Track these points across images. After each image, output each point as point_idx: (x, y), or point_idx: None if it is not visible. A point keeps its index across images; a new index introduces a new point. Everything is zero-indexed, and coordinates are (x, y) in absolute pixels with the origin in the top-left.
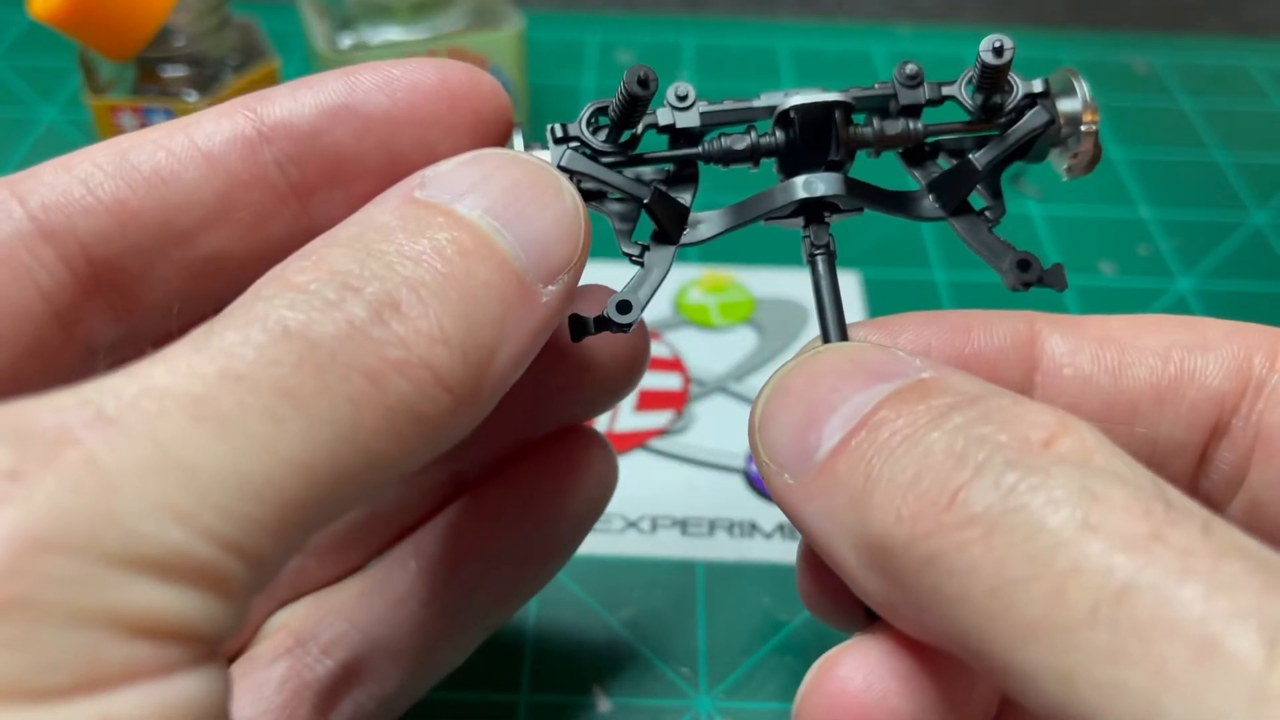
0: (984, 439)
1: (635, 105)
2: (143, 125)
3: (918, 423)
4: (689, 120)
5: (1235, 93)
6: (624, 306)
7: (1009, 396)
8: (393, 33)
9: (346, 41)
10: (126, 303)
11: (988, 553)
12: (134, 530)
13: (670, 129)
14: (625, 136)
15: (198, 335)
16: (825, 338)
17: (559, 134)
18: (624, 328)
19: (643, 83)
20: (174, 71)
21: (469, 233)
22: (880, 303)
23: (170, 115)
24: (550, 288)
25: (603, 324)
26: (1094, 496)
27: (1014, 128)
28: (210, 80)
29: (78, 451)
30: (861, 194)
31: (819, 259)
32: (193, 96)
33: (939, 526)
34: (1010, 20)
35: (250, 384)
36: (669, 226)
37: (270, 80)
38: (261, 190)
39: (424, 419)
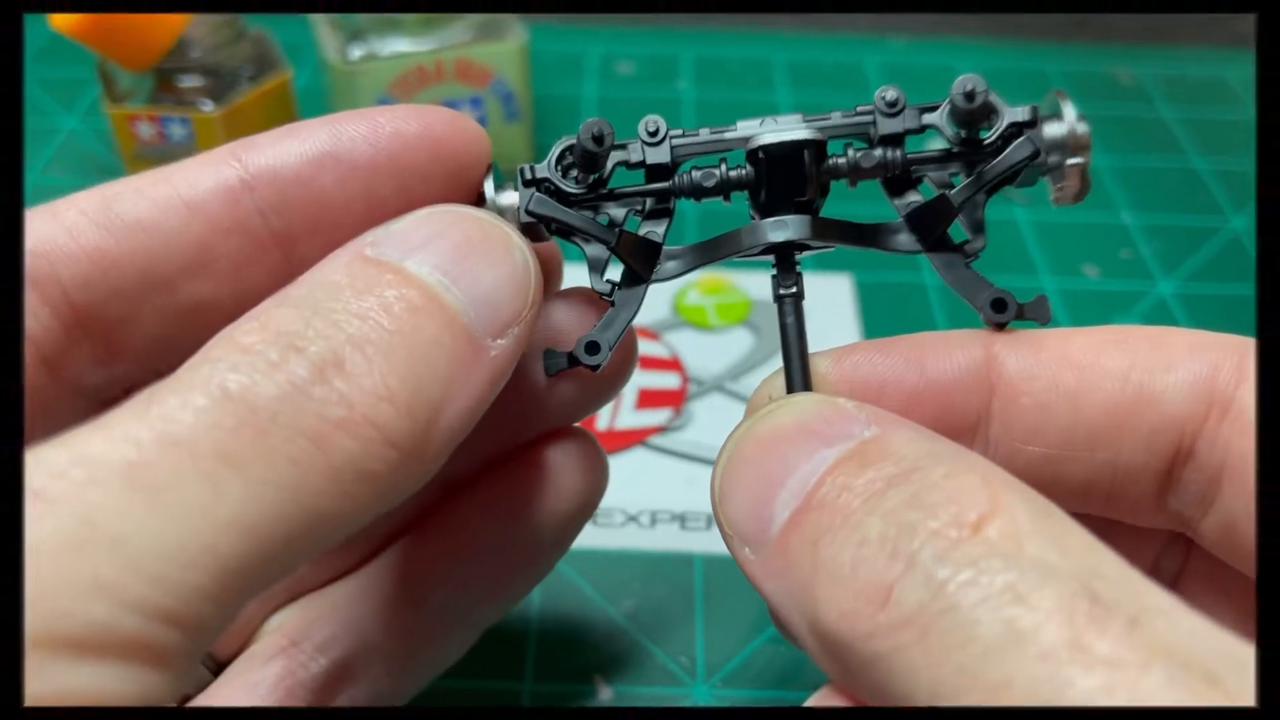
0: (915, 527)
1: (593, 159)
2: (159, 134)
3: (853, 503)
4: (659, 156)
5: (1214, 102)
6: (592, 347)
7: (945, 464)
8: (402, 44)
9: (357, 53)
10: (111, 348)
11: (924, 657)
12: (53, 610)
13: (640, 165)
14: (595, 176)
15: (139, 401)
16: (789, 383)
17: (528, 176)
18: (593, 368)
19: (597, 139)
20: (190, 82)
21: (417, 289)
22: (873, 306)
23: (186, 124)
24: (500, 341)
25: (575, 361)
26: (1020, 598)
27: (995, 161)
28: (225, 90)
29: None
30: (831, 234)
31: (786, 301)
32: (208, 106)
33: (877, 627)
34: (1001, 33)
35: (188, 449)
36: (638, 267)
37: (283, 90)
38: (241, 238)
39: (371, 476)
